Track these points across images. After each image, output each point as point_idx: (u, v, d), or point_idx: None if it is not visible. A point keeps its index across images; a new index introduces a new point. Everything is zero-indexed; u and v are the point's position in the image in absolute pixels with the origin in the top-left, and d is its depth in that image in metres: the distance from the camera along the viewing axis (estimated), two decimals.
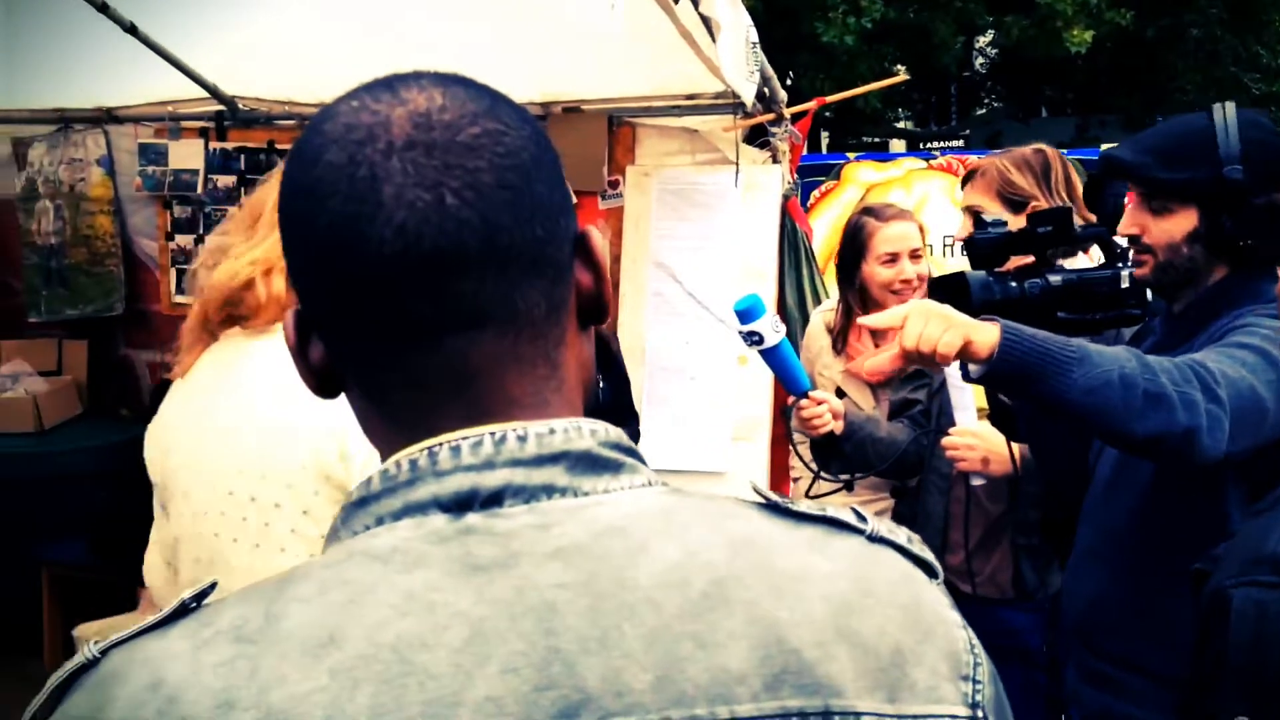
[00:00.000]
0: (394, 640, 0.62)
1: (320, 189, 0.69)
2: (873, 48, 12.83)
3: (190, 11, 4.23)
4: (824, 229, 6.86)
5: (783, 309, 4.20)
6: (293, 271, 0.75)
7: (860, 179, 7.58)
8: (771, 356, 2.59)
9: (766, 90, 4.02)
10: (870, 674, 0.65)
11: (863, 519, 0.74)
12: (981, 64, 20.41)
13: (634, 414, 3.00)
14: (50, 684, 0.67)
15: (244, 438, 1.76)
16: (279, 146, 4.77)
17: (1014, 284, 2.09)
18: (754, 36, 3.79)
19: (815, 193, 7.44)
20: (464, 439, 0.69)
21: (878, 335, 3.23)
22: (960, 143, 20.79)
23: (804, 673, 0.64)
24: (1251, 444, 1.74)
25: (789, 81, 12.41)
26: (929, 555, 0.75)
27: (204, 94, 4.65)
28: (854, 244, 3.28)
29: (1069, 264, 2.33)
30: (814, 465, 2.73)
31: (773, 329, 2.54)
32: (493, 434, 0.68)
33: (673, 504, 0.70)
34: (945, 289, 2.15)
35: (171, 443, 1.86)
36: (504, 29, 4.07)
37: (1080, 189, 2.49)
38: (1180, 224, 1.96)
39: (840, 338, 3.36)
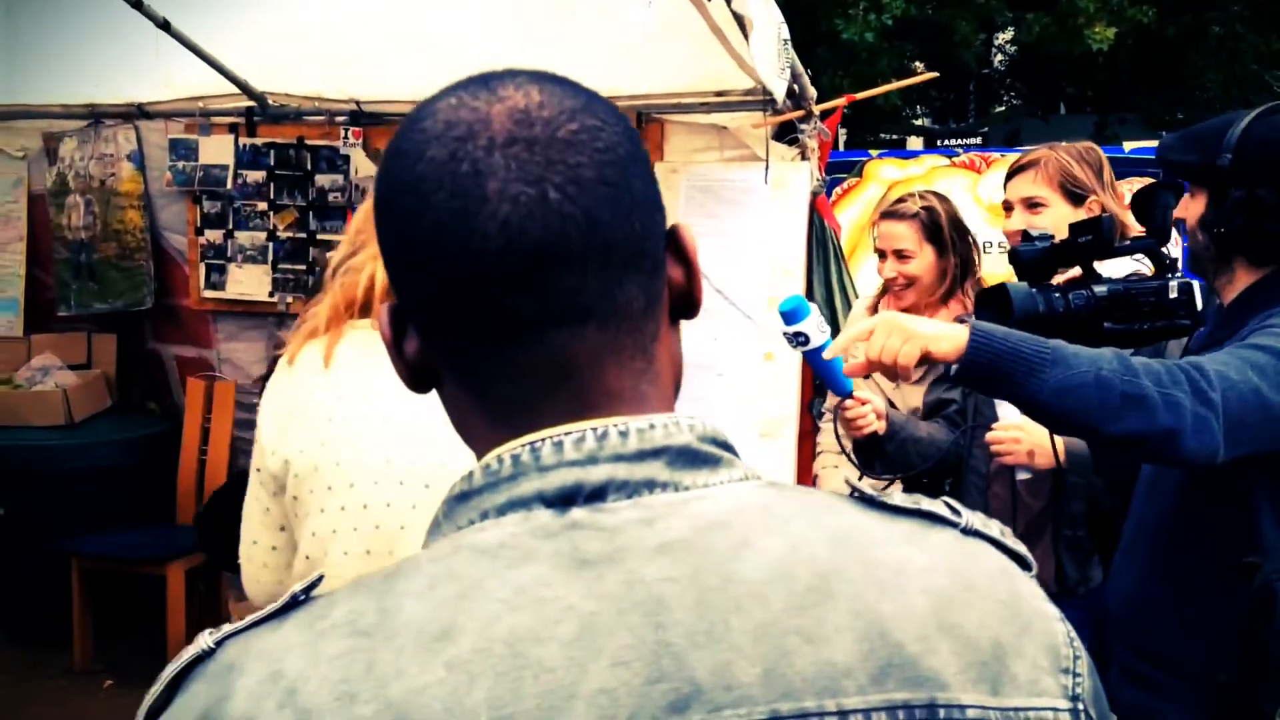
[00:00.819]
0: (507, 634, 0.62)
1: (424, 185, 0.69)
2: (893, 45, 12.80)
3: (221, 8, 4.26)
4: (846, 226, 6.86)
5: None
6: (391, 267, 0.75)
7: (882, 176, 7.57)
8: (816, 357, 2.60)
9: (796, 87, 4.02)
10: (972, 667, 0.66)
11: (957, 512, 0.74)
12: (1000, 61, 20.34)
13: None
14: (167, 674, 0.68)
15: (420, 431, 1.77)
16: (309, 142, 4.80)
17: (1058, 296, 2.08)
18: (785, 33, 3.79)
19: (837, 190, 7.43)
20: (566, 434, 0.69)
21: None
22: (978, 140, 20.74)
23: (908, 666, 0.64)
24: (1257, 448, 1.74)
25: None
26: (1022, 549, 0.75)
27: (234, 90, 4.67)
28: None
29: (1116, 266, 2.32)
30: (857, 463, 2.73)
31: (818, 330, 2.55)
32: (594, 429, 0.69)
33: (772, 498, 0.71)
34: (991, 301, 2.15)
35: (329, 433, 1.82)
36: (533, 25, 4.08)
37: (1121, 192, 2.50)
38: (1195, 208, 2.01)
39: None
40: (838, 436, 2.81)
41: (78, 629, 4.66)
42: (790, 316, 2.58)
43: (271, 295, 4.88)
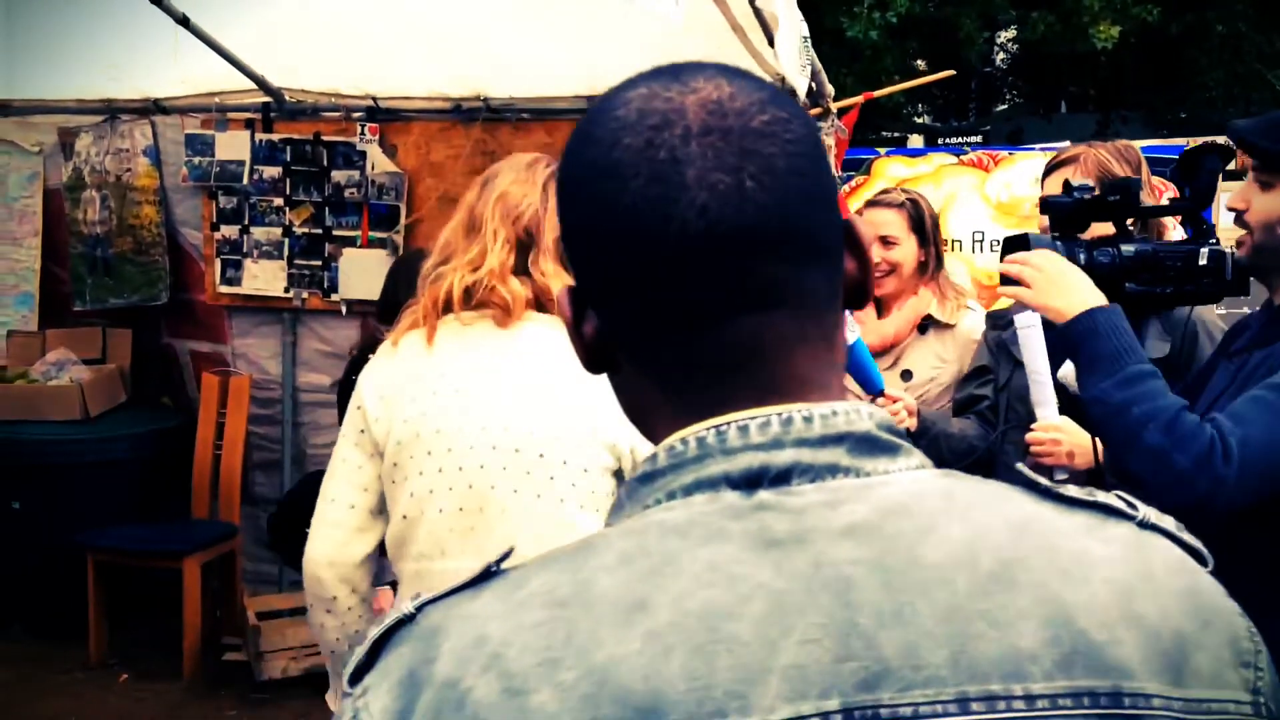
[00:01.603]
0: (700, 609, 0.64)
1: (620, 171, 0.71)
2: (896, 43, 12.82)
3: (239, 3, 4.28)
4: None
5: None
6: (575, 250, 0.77)
7: (890, 174, 7.57)
8: (847, 355, 2.61)
9: (814, 85, 4.04)
10: (1156, 657, 0.67)
11: (1133, 505, 0.75)
12: (1002, 59, 20.36)
13: None
14: (371, 636, 0.71)
15: (538, 403, 1.99)
16: (325, 138, 4.81)
17: (1080, 250, 2.09)
18: (805, 31, 3.82)
19: (845, 188, 7.45)
20: (751, 419, 0.71)
21: (880, 307, 3.28)
22: (979, 138, 20.76)
23: (1093, 654, 0.65)
24: (1272, 489, 1.76)
25: None
26: (1198, 543, 0.76)
27: (250, 85, 4.69)
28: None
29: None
30: None
31: (849, 327, 2.57)
32: (779, 414, 0.71)
33: (950, 486, 0.72)
34: (1013, 248, 2.18)
35: (431, 405, 2.01)
36: (551, 23, 4.10)
37: (1159, 190, 2.51)
38: (1271, 203, 1.90)
39: None
40: None
41: (93, 623, 4.67)
42: None
43: (287, 291, 4.89)
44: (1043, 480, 0.75)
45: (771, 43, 3.63)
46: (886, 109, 14.94)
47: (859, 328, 2.65)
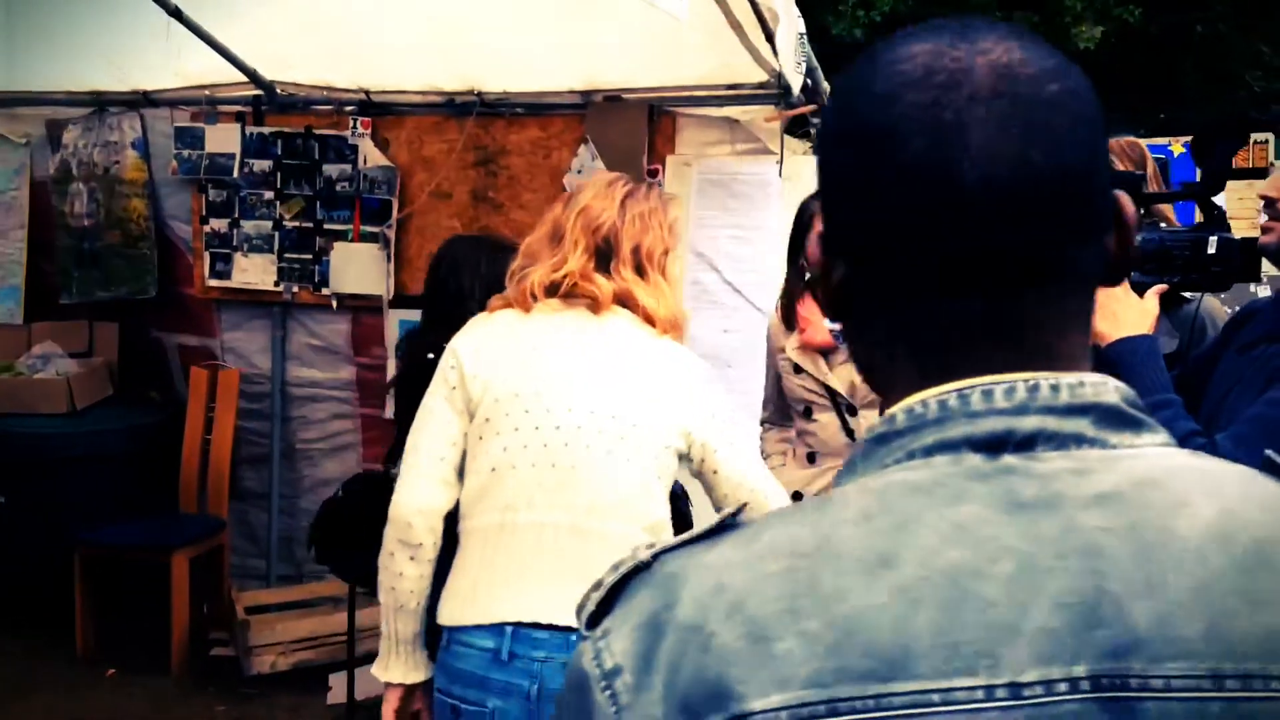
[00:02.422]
0: (947, 566, 0.64)
1: (902, 128, 0.70)
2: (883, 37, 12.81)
3: None
4: None
5: None
6: (836, 199, 0.76)
7: None
8: None
9: (809, 81, 4.04)
10: None
11: None
12: None
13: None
14: (606, 582, 0.71)
15: (630, 382, 2.21)
16: (317, 131, 4.78)
17: None
18: (802, 27, 3.82)
19: None
20: (995, 384, 0.70)
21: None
22: None
23: None
24: None
25: None
26: None
27: (241, 78, 4.66)
28: (800, 225, 3.33)
29: None
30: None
31: None
32: (1026, 381, 0.70)
33: (1199, 463, 0.72)
34: None
35: (528, 366, 2.21)
36: (546, 16, 4.08)
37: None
38: None
39: (789, 314, 3.39)
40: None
41: (80, 617, 4.63)
42: None
43: (277, 285, 4.86)
44: None
45: (770, 39, 3.63)
46: None
47: None
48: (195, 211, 4.93)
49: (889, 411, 0.73)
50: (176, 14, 4.09)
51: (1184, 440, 1.86)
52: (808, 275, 3.32)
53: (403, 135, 4.72)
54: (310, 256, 4.83)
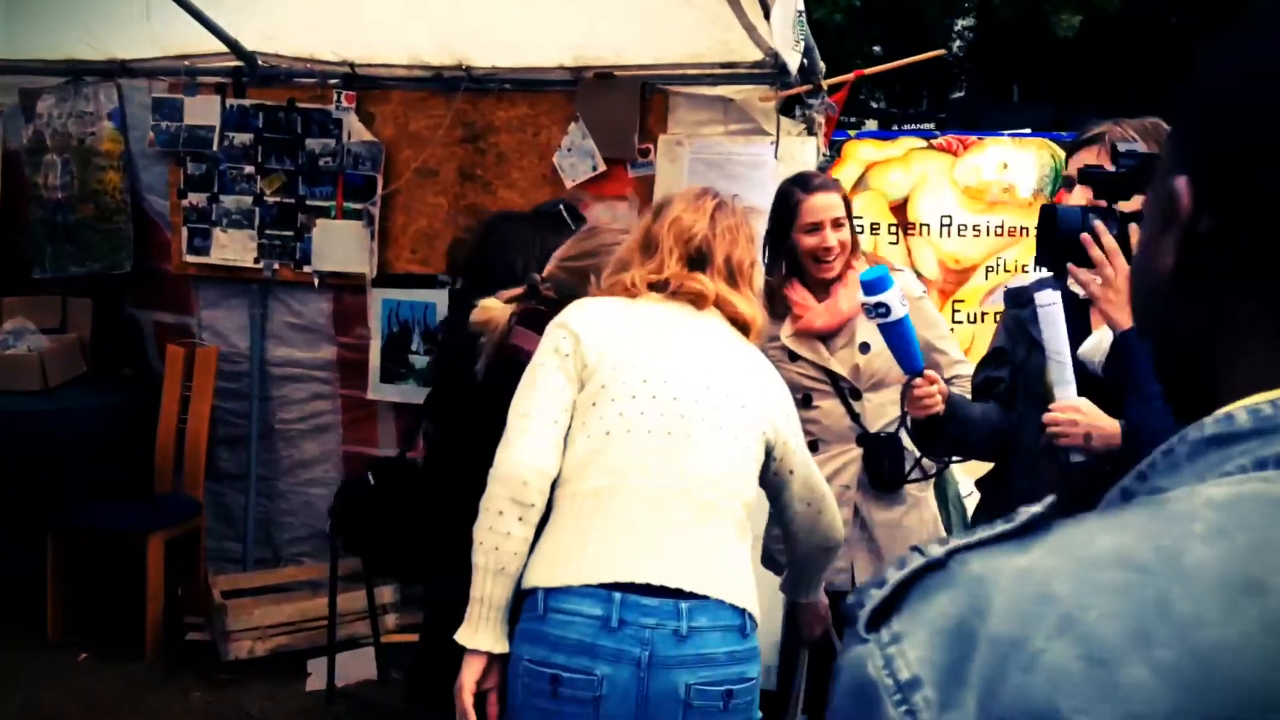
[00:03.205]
0: None
1: None
2: (860, 27, 12.82)
3: None
4: None
5: None
6: (1228, 147, 0.70)
7: (860, 157, 7.54)
8: (894, 330, 2.56)
9: (805, 61, 3.98)
10: None
11: None
12: (959, 47, 20.42)
13: None
14: (893, 580, 0.64)
15: (739, 369, 2.35)
16: (299, 105, 4.67)
17: (1114, 224, 2.07)
18: (800, 5, 3.75)
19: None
20: None
21: (819, 291, 3.27)
22: (932, 125, 20.80)
23: None
24: None
25: None
26: None
27: (222, 48, 4.54)
28: (783, 211, 3.33)
29: None
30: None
31: (899, 302, 2.52)
32: None
33: None
34: (1043, 218, 2.19)
35: (649, 343, 2.30)
36: None
37: None
38: None
39: (778, 300, 3.34)
40: (904, 419, 2.77)
41: (51, 600, 4.53)
42: (873, 286, 2.54)
43: (257, 261, 4.75)
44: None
45: (767, 15, 3.56)
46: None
47: (908, 303, 2.59)
48: (173, 185, 4.81)
49: (1226, 410, 0.66)
50: None
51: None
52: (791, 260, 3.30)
53: (388, 110, 4.61)
54: (291, 233, 4.72)
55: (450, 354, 3.06)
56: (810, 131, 4.14)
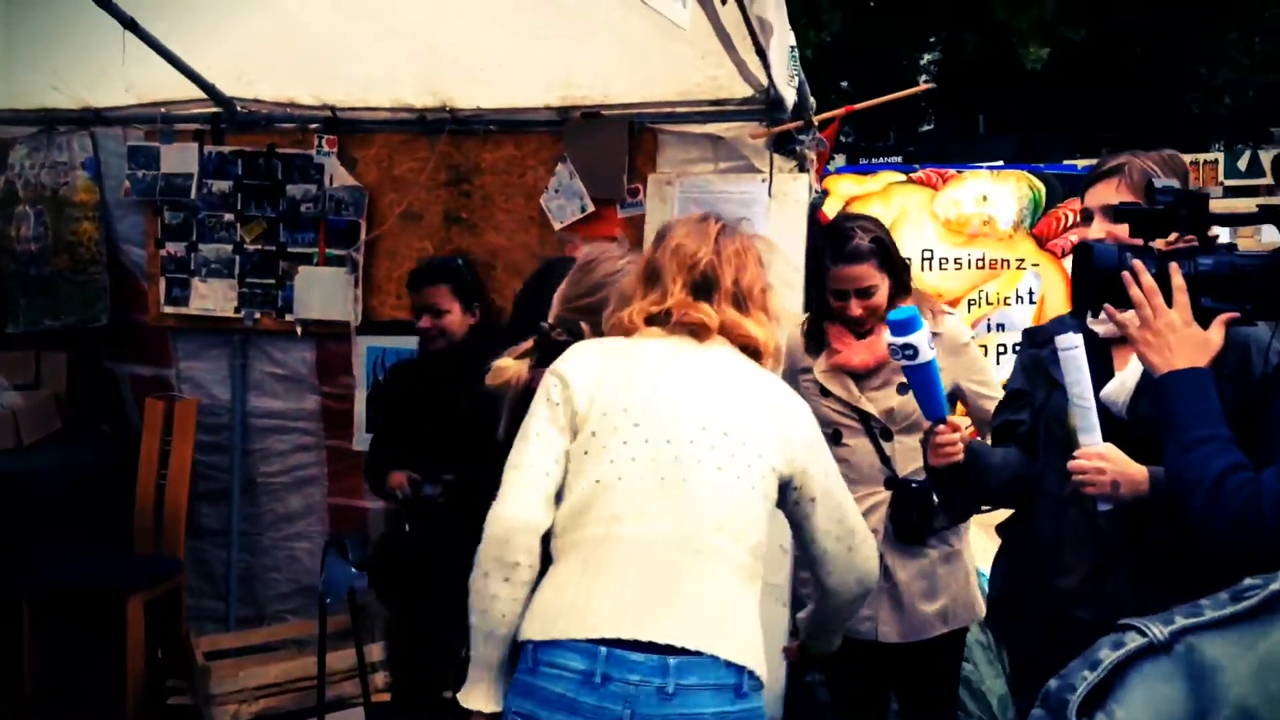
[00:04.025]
0: None
1: None
2: (829, 61, 12.86)
3: (188, 7, 4.04)
4: None
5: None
6: None
7: (840, 191, 7.52)
8: (921, 374, 2.50)
9: (796, 97, 3.92)
10: None
11: None
12: (924, 80, 20.60)
13: None
14: (1108, 662, 0.60)
15: (740, 404, 2.24)
16: (280, 150, 4.57)
17: (1152, 263, 2.02)
18: (793, 40, 3.70)
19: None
20: None
21: (859, 329, 3.25)
22: (899, 159, 20.94)
23: None
24: None
25: None
26: None
27: (199, 94, 4.45)
28: (820, 257, 3.31)
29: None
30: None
31: (928, 345, 2.46)
32: None
33: None
34: (1080, 257, 2.16)
35: (641, 387, 2.22)
36: (522, 29, 3.92)
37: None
38: None
39: (816, 337, 3.34)
40: (926, 465, 2.70)
41: (28, 664, 4.37)
42: (901, 328, 2.47)
43: (238, 311, 4.64)
44: None
45: (760, 51, 3.49)
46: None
47: (935, 347, 2.53)
48: (150, 234, 4.70)
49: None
50: (131, 25, 3.88)
51: (1222, 475, 1.80)
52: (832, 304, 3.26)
53: (371, 154, 4.52)
54: (273, 281, 4.61)
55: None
56: (802, 168, 4.07)
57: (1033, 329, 2.81)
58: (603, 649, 2.00)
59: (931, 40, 14.90)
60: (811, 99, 4.03)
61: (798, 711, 4.17)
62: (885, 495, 3.19)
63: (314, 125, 4.53)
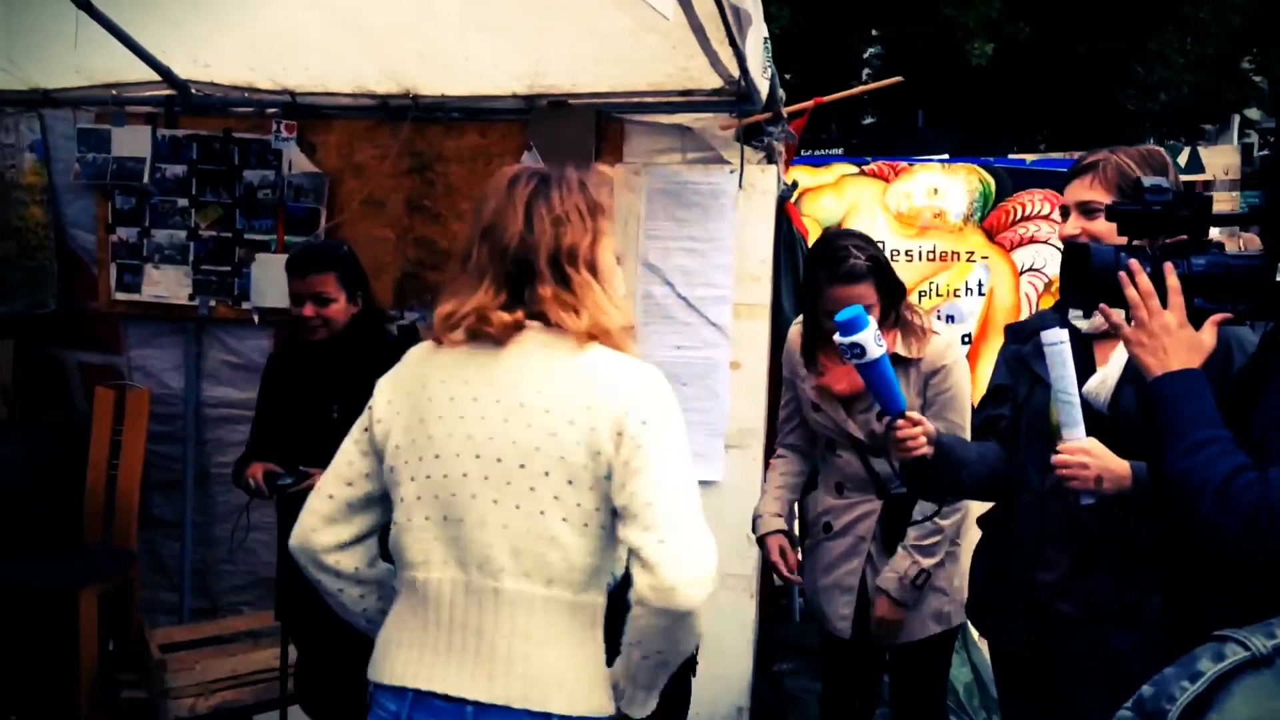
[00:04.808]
0: None
1: None
2: (776, 54, 12.88)
3: None
4: None
5: (779, 314, 4.09)
6: None
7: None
8: (871, 371, 2.49)
9: (768, 89, 3.91)
10: None
11: None
12: (867, 74, 20.72)
13: None
14: (1210, 674, 0.61)
15: (524, 417, 1.96)
16: (236, 135, 4.48)
17: (1147, 264, 2.02)
18: (765, 32, 3.69)
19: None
20: None
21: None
22: (840, 150, 21.04)
23: None
24: None
25: None
26: None
27: (153, 76, 4.34)
28: (815, 275, 3.23)
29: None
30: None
31: (875, 342, 2.45)
32: None
33: None
34: (1074, 256, 2.12)
35: (427, 413, 2.03)
36: (489, 14, 3.86)
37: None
38: None
39: (809, 354, 3.32)
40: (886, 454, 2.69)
41: None
42: (848, 327, 2.47)
43: (192, 298, 4.54)
44: None
45: (733, 42, 3.47)
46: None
47: (885, 342, 2.52)
48: (101, 219, 4.58)
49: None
50: (85, 6, 3.77)
51: (1229, 477, 1.80)
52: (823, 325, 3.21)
53: (331, 140, 4.44)
54: (229, 268, 4.52)
55: None
56: (770, 160, 4.07)
57: (1016, 324, 2.82)
58: (410, 693, 1.98)
59: (875, 34, 14.97)
60: (781, 91, 4.03)
61: (764, 700, 4.18)
62: (878, 504, 3.22)
63: (272, 110, 4.44)
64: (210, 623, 4.63)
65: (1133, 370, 2.17)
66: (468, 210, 4.28)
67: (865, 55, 19.35)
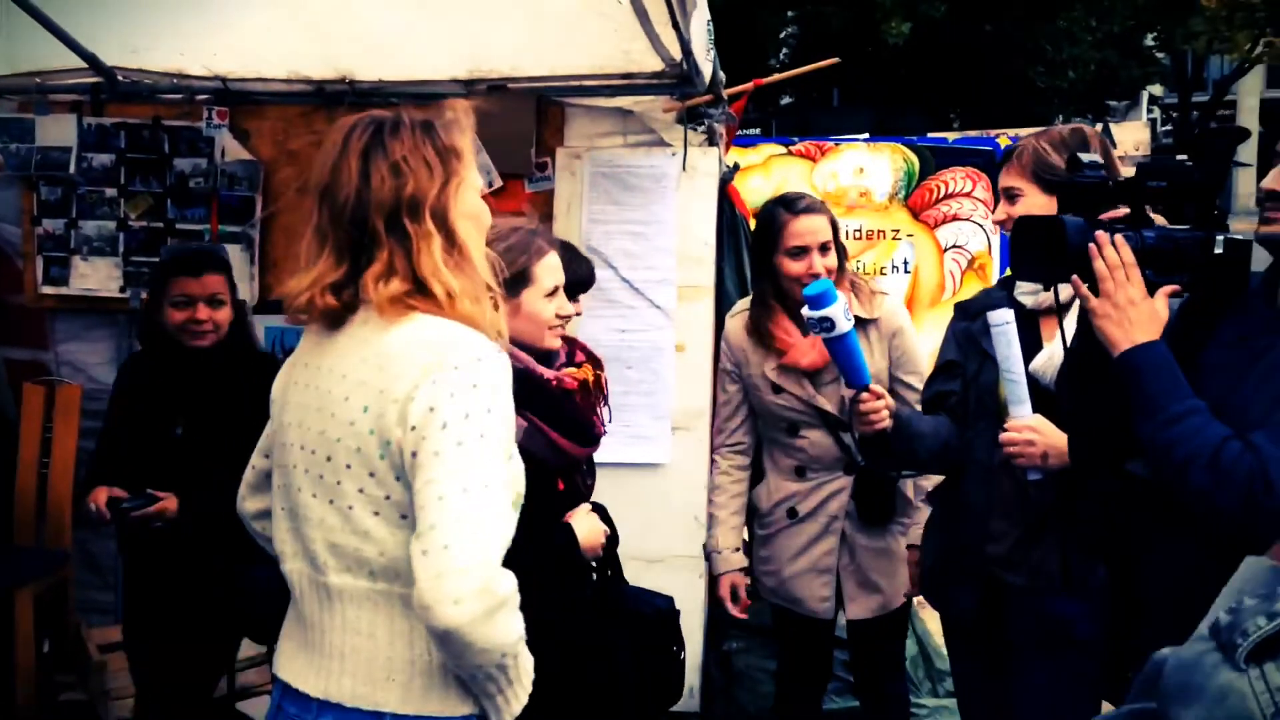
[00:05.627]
0: None
1: None
2: None
3: None
4: None
5: (722, 295, 4.12)
6: None
7: None
8: (839, 345, 2.52)
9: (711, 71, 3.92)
10: None
11: None
12: (785, 54, 20.84)
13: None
14: None
15: (332, 407, 1.87)
16: (166, 122, 4.37)
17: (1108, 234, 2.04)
18: (709, 15, 3.69)
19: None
20: None
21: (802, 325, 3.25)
22: (757, 130, 21.17)
23: None
24: None
25: None
26: None
27: (77, 63, 4.21)
28: (767, 235, 3.21)
29: None
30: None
31: (844, 316, 2.48)
32: None
33: None
34: (1036, 230, 2.10)
35: (289, 396, 1.99)
36: (428, 2, 3.82)
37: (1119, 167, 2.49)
38: None
39: (764, 332, 3.26)
40: (851, 430, 2.73)
41: None
42: (817, 301, 2.50)
43: (123, 291, 4.43)
44: None
45: (676, 25, 3.48)
46: None
47: (853, 317, 2.55)
48: (26, 211, 4.44)
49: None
50: None
51: (1219, 447, 1.82)
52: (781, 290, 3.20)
53: (265, 127, 4.35)
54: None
55: None
56: (712, 142, 4.08)
57: (965, 302, 2.87)
58: (281, 683, 1.99)
59: (791, 15, 15.06)
60: (721, 73, 4.04)
61: (714, 680, 4.22)
62: (846, 481, 3.22)
63: (202, 96, 4.34)
64: None
65: (1076, 341, 2.18)
66: None
67: (782, 35, 19.46)
